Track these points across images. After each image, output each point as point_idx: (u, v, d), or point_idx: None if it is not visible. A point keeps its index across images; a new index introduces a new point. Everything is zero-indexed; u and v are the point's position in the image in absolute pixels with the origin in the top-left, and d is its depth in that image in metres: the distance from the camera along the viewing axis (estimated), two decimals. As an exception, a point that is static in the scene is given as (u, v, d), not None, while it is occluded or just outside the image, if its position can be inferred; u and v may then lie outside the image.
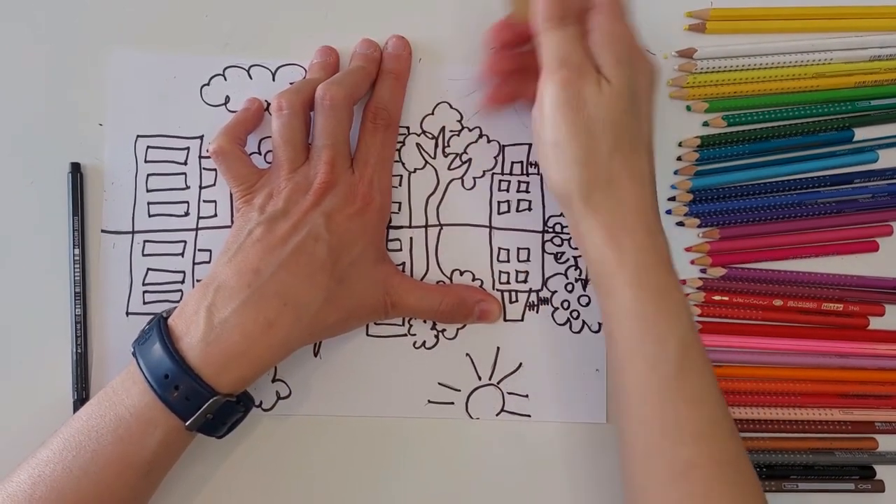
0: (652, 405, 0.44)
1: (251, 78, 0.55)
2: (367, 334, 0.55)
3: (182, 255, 0.54)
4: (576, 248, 0.55)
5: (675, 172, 0.56)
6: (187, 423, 0.46)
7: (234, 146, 0.52)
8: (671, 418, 0.44)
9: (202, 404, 0.46)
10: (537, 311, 0.55)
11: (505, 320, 0.55)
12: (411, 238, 0.55)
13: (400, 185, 0.55)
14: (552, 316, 0.55)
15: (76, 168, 0.54)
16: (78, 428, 0.46)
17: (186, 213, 0.55)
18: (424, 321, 0.55)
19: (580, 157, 0.45)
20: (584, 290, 0.55)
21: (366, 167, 0.51)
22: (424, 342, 0.55)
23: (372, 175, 0.51)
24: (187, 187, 0.55)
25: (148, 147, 0.55)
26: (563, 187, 0.47)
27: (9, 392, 0.54)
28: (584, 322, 0.55)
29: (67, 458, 0.45)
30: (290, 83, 0.55)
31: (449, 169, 0.56)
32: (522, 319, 0.55)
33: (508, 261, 0.55)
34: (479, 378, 0.55)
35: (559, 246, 0.56)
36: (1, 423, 0.53)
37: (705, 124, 0.56)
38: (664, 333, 0.44)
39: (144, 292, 0.54)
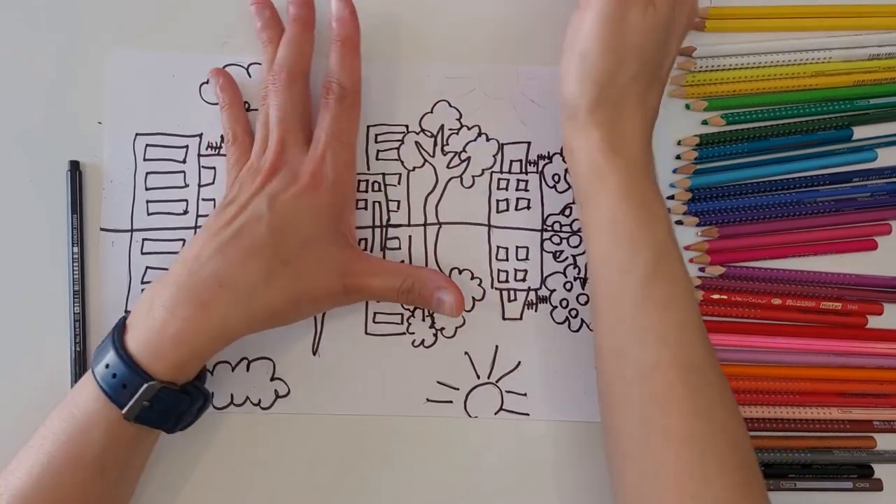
0: (620, 309, 0.46)
1: (250, 76, 0.55)
2: (366, 332, 0.55)
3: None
4: (574, 247, 0.56)
5: (674, 171, 0.56)
6: (124, 412, 0.45)
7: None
8: (639, 323, 0.45)
9: (137, 390, 0.45)
10: (536, 310, 0.55)
11: (504, 319, 0.55)
12: (410, 236, 0.55)
13: (399, 183, 0.55)
14: (551, 314, 0.55)
15: (75, 166, 0.54)
16: (41, 433, 0.46)
17: (185, 212, 0.55)
18: (414, 314, 0.55)
19: (601, 78, 0.46)
20: (583, 288, 0.55)
21: (318, 145, 0.50)
22: (423, 341, 0.55)
23: (324, 152, 0.50)
24: (186, 185, 0.55)
25: (147, 145, 0.55)
26: (575, 99, 0.48)
27: (8, 390, 0.54)
28: (582, 320, 0.55)
29: (29, 464, 0.45)
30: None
31: (448, 167, 0.56)
32: (521, 318, 0.55)
33: (507, 259, 0.55)
34: (478, 377, 0.55)
35: (558, 244, 0.56)
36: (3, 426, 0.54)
37: (704, 123, 0.56)
38: (638, 242, 0.45)
39: (143, 291, 0.54)
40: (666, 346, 0.44)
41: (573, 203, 0.56)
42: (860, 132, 0.56)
